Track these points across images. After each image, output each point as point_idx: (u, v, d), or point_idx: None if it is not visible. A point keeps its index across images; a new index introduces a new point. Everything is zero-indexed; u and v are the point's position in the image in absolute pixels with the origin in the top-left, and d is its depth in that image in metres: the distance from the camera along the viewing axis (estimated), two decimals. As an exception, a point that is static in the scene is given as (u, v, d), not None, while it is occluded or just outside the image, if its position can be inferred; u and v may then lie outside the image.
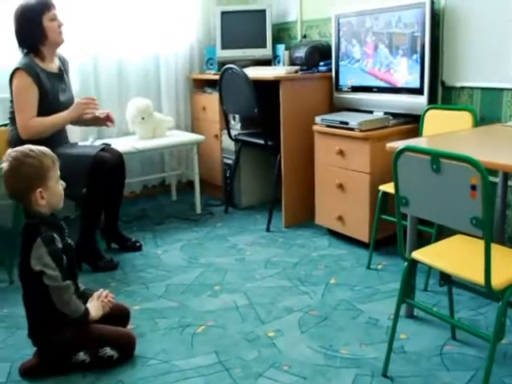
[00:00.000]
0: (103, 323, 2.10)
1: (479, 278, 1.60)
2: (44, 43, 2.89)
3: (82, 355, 2.02)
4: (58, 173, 2.08)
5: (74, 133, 3.60)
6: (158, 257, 3.11)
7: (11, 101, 2.89)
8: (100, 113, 3.08)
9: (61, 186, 2.08)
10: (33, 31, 2.86)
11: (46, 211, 2.03)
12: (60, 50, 3.07)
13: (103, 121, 3.14)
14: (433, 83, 2.98)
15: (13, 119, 2.92)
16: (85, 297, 2.11)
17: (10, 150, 2.03)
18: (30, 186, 1.96)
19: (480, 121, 2.70)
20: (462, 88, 2.93)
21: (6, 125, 3.01)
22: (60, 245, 1.99)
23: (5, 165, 1.97)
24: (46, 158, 2.01)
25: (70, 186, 2.18)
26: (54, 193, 2.03)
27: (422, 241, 2.31)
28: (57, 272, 1.94)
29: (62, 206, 2.11)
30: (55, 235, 1.98)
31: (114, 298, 2.20)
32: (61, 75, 3.01)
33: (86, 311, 2.03)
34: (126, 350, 2.10)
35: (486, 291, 1.63)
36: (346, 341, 2.17)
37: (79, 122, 3.11)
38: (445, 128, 2.55)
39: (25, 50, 2.90)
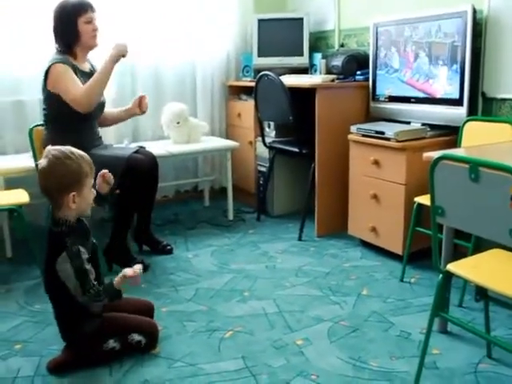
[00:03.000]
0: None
1: (518, 294, 1.55)
2: (77, 44, 2.94)
3: (111, 342, 2.06)
4: (92, 181, 2.10)
5: (109, 135, 3.65)
6: (188, 261, 3.11)
7: (45, 102, 2.93)
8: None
9: (92, 194, 2.10)
10: (67, 31, 2.91)
11: (73, 217, 2.04)
12: (99, 55, 3.12)
13: (134, 109, 3.18)
14: (473, 94, 2.91)
15: (47, 121, 2.96)
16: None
17: (50, 147, 2.03)
18: (65, 188, 1.97)
19: (521, 134, 2.63)
20: (504, 100, 2.86)
21: (42, 124, 3.05)
22: (86, 255, 2.00)
23: (43, 161, 1.99)
24: (84, 163, 2.03)
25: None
26: (85, 199, 2.05)
27: (458, 255, 2.24)
28: (78, 289, 1.95)
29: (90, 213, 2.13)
30: (80, 248, 1.98)
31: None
32: (92, 74, 3.04)
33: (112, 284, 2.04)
34: (151, 337, 2.14)
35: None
36: (376, 353, 2.12)
37: (111, 119, 3.16)
38: (484, 140, 2.48)
39: (59, 48, 2.95)
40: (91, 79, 2.85)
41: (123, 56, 2.90)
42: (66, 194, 1.98)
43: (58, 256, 1.96)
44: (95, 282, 2.00)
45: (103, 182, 2.28)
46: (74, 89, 2.81)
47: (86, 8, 2.91)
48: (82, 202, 2.03)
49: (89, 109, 2.83)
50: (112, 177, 2.32)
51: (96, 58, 3.16)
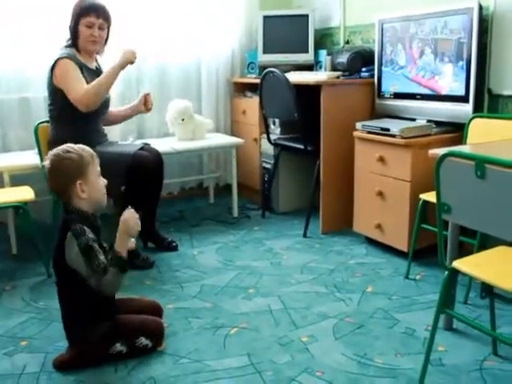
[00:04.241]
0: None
1: (524, 290, 1.55)
2: (77, 43, 2.96)
3: (118, 346, 2.06)
4: (98, 168, 2.12)
5: (114, 132, 3.66)
6: (193, 258, 3.12)
7: (50, 98, 2.94)
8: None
9: (102, 181, 2.12)
10: (71, 28, 2.95)
11: (87, 207, 2.05)
12: (106, 57, 3.13)
13: (140, 107, 3.19)
14: (479, 91, 2.89)
15: (52, 118, 2.97)
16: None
17: (51, 151, 2.09)
18: (70, 179, 2.01)
19: (528, 131, 2.62)
20: (510, 96, 2.85)
21: (48, 121, 3.06)
22: (91, 235, 1.99)
23: (47, 162, 2.05)
24: (85, 153, 2.07)
25: (109, 183, 2.20)
26: (94, 187, 2.07)
27: (463, 252, 2.24)
28: (87, 268, 1.95)
29: (106, 204, 2.14)
30: (86, 228, 1.98)
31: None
32: (98, 73, 3.05)
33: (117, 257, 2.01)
34: (156, 337, 2.13)
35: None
36: (381, 350, 2.12)
37: (117, 118, 3.19)
38: (490, 137, 2.47)
39: (68, 41, 2.97)
40: (96, 81, 2.86)
41: (131, 63, 2.92)
42: (73, 184, 2.02)
43: (64, 240, 1.97)
44: (102, 257, 1.98)
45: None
46: (78, 87, 2.82)
47: (89, 12, 2.90)
48: (91, 190, 2.05)
49: (90, 109, 2.84)
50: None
51: (103, 60, 3.18)
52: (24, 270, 2.96)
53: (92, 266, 1.95)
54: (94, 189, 2.06)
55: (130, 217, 2.06)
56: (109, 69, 2.89)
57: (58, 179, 2.04)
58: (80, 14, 2.91)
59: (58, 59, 2.86)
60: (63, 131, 2.87)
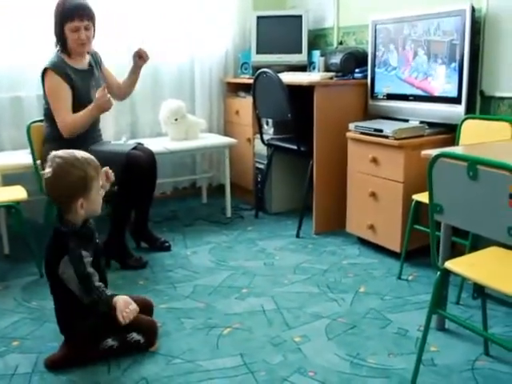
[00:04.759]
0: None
1: (516, 291, 1.56)
2: (66, 47, 2.93)
3: (110, 341, 2.06)
4: (100, 182, 2.10)
5: (107, 132, 3.65)
6: (186, 258, 3.12)
7: (45, 97, 2.93)
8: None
9: (100, 194, 2.10)
10: (57, 33, 2.92)
11: (81, 219, 2.05)
12: (96, 50, 3.12)
13: (138, 63, 3.18)
14: (471, 92, 2.91)
15: (47, 116, 2.96)
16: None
17: (54, 153, 2.03)
18: (73, 196, 2.00)
19: (520, 132, 2.63)
20: (502, 98, 2.86)
21: (42, 120, 3.05)
22: (89, 258, 2.00)
23: (49, 171, 1.99)
24: (90, 168, 2.03)
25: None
26: (93, 202, 2.06)
27: (456, 253, 2.25)
28: (82, 293, 1.96)
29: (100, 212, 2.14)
30: (83, 253, 1.98)
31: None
32: (91, 71, 3.04)
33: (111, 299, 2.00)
34: (149, 335, 2.13)
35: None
36: (373, 350, 2.12)
37: (127, 87, 3.25)
38: (482, 139, 2.49)
39: (56, 45, 2.95)
40: (82, 113, 2.85)
41: (105, 111, 2.92)
42: (74, 201, 2.00)
43: (60, 258, 1.97)
44: (99, 284, 2.00)
45: (105, 181, 2.22)
46: (63, 114, 2.85)
47: (73, 16, 2.84)
48: (90, 206, 2.05)
49: (71, 136, 2.84)
50: (113, 174, 2.28)
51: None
52: (16, 270, 2.95)
53: (87, 291, 1.96)
54: (92, 204, 2.06)
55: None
56: (86, 110, 2.85)
57: (59, 194, 2.01)
58: (63, 19, 2.86)
59: (46, 68, 2.86)
60: (58, 130, 2.86)
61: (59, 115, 2.86)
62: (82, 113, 2.86)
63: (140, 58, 3.14)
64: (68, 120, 2.84)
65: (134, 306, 2.00)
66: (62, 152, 2.03)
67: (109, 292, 2.02)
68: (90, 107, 2.85)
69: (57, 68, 2.85)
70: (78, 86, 2.90)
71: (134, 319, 2.10)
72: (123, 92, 3.27)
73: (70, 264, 1.96)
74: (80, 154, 2.05)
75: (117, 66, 3.40)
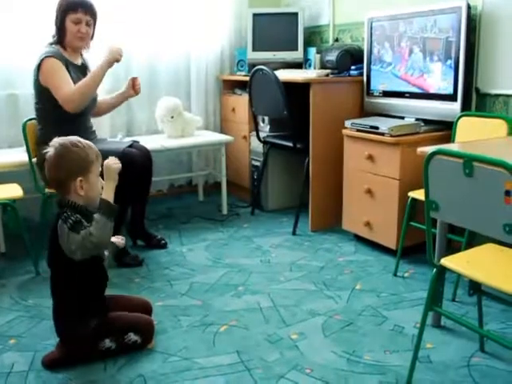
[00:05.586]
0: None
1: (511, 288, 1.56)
2: (64, 40, 2.93)
3: (107, 342, 2.05)
4: (100, 169, 2.10)
5: (103, 129, 3.65)
6: (182, 255, 3.11)
7: (36, 97, 2.91)
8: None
9: (100, 183, 2.10)
10: (57, 24, 2.92)
11: (81, 202, 2.03)
12: (92, 47, 3.11)
13: (128, 92, 3.17)
14: (467, 90, 2.91)
15: (40, 117, 2.94)
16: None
17: (57, 139, 2.06)
18: (72, 174, 2.00)
19: (515, 129, 2.64)
20: (497, 95, 2.87)
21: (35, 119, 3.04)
22: (79, 217, 1.97)
23: (51, 150, 2.02)
24: (91, 151, 2.06)
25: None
26: (93, 186, 2.05)
27: (451, 250, 2.26)
28: (78, 236, 1.92)
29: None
30: (76, 214, 1.97)
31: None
32: (84, 68, 3.04)
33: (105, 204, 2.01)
34: (146, 334, 2.13)
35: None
36: (370, 347, 2.13)
37: (106, 107, 3.19)
38: (478, 136, 2.50)
39: (53, 38, 2.95)
40: (82, 81, 2.84)
41: (117, 61, 2.91)
42: (74, 179, 2.00)
43: (56, 231, 1.95)
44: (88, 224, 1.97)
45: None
46: (65, 88, 2.81)
47: (76, 8, 2.87)
48: (89, 190, 2.04)
49: (77, 110, 2.83)
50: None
51: (91, 56, 3.16)
52: (12, 268, 2.94)
53: (79, 231, 1.93)
54: (92, 188, 2.05)
55: None
56: (95, 68, 2.87)
57: (60, 170, 2.01)
58: (67, 10, 2.87)
59: (43, 58, 2.83)
60: (51, 131, 2.82)
61: (60, 92, 2.80)
62: (87, 77, 2.85)
63: (132, 88, 3.14)
64: (68, 92, 2.79)
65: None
66: (64, 137, 2.06)
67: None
68: (98, 65, 2.84)
69: (55, 55, 2.85)
70: (73, 77, 2.88)
71: (132, 319, 2.11)
72: (100, 108, 3.23)
73: (63, 223, 1.93)
74: (82, 139, 2.08)
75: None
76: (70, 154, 2.00)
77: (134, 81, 3.16)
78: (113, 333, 2.06)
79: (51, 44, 2.94)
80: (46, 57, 2.83)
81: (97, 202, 2.08)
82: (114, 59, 2.89)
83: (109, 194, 2.03)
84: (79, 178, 2.00)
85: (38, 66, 2.84)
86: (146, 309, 2.27)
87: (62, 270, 2.02)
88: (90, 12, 2.92)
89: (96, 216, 1.97)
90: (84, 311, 2.04)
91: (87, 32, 2.93)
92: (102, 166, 2.10)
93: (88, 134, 3.03)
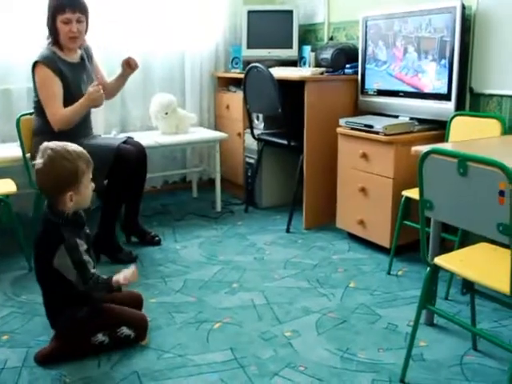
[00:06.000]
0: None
1: (504, 287, 1.57)
2: (58, 39, 2.90)
3: (100, 336, 2.05)
4: (90, 175, 2.09)
5: (98, 125, 3.63)
6: (176, 252, 3.11)
7: (35, 91, 2.91)
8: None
9: (91, 187, 2.10)
10: (49, 25, 2.89)
11: (71, 211, 2.04)
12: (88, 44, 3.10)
13: (126, 71, 3.14)
14: (461, 89, 2.92)
15: (37, 109, 2.93)
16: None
17: (46, 145, 2.02)
18: (62, 189, 1.99)
19: (508, 130, 2.66)
20: (491, 95, 2.88)
21: (31, 113, 3.02)
22: (84, 246, 2.01)
23: (40, 161, 1.99)
24: (81, 161, 2.03)
25: (92, 177, 2.18)
26: (82, 195, 2.05)
27: (445, 249, 2.27)
28: (78, 279, 1.98)
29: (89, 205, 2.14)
30: (78, 241, 1.99)
31: None
32: (82, 64, 3.02)
33: (109, 280, 2.03)
34: (140, 330, 2.13)
35: (510, 301, 1.59)
36: (363, 345, 2.14)
37: (110, 92, 3.18)
38: (472, 135, 2.51)
39: (48, 38, 2.92)
40: (72, 108, 2.82)
41: (96, 107, 2.92)
42: (64, 193, 1.99)
43: (55, 249, 1.96)
44: (94, 270, 2.01)
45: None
46: (55, 108, 2.82)
47: (64, 8, 2.82)
48: (79, 199, 2.04)
49: (60, 130, 2.82)
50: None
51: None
52: (5, 264, 2.93)
53: (84, 279, 1.97)
54: (82, 197, 2.05)
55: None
56: (77, 104, 2.83)
57: (48, 185, 2.01)
58: (55, 10, 2.83)
59: (36, 62, 2.83)
60: (48, 124, 2.84)
61: (50, 109, 2.83)
62: (72, 107, 2.84)
63: (129, 66, 3.11)
64: (59, 114, 2.82)
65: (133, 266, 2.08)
66: (53, 144, 2.02)
67: (104, 276, 2.04)
68: (81, 101, 2.82)
69: (47, 61, 2.82)
70: (69, 79, 2.87)
71: (124, 313, 2.11)
72: (107, 93, 3.20)
73: (66, 253, 1.95)
74: (72, 147, 2.04)
75: (107, 61, 3.38)
76: (59, 168, 1.97)
77: (128, 61, 3.10)
78: (106, 327, 2.06)
79: (49, 43, 2.92)
80: (38, 62, 2.83)
81: (86, 206, 2.10)
82: (93, 106, 2.89)
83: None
84: (69, 193, 1.99)
85: (33, 67, 2.85)
86: (137, 301, 2.28)
87: (51, 273, 2.02)
88: (79, 9, 2.86)
89: (92, 284, 1.99)
90: (73, 300, 2.04)
91: (79, 30, 2.88)
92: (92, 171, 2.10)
93: (85, 129, 3.02)
